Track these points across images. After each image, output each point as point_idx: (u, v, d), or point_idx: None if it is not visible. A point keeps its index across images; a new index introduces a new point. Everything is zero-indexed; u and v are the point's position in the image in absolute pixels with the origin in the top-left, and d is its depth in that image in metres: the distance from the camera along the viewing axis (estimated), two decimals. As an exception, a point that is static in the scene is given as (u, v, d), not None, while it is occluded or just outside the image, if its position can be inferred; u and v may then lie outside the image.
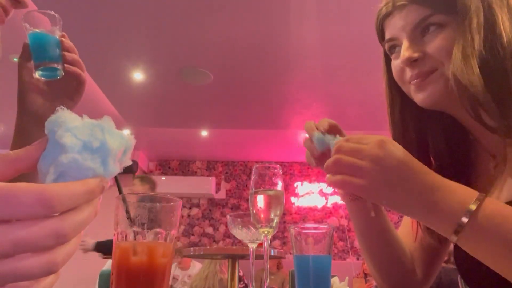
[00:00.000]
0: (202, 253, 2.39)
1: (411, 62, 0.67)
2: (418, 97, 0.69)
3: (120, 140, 0.33)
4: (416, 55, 0.67)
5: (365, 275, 4.57)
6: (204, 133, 5.25)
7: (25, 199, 0.26)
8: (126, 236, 0.47)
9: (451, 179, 0.73)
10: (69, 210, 0.28)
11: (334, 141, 0.64)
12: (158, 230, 0.47)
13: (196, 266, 4.14)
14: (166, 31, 3.09)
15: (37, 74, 0.74)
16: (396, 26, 0.70)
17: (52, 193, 0.26)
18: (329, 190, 6.09)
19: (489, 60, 0.61)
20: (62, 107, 0.32)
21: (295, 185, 6.14)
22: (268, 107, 4.38)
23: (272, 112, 4.49)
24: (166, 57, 3.47)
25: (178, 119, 4.81)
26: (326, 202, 6.09)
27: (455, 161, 0.76)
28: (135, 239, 0.47)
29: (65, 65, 0.76)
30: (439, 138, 0.77)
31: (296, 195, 6.12)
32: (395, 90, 0.77)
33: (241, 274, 3.48)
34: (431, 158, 0.78)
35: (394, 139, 0.75)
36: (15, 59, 3.32)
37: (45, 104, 0.79)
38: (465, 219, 0.51)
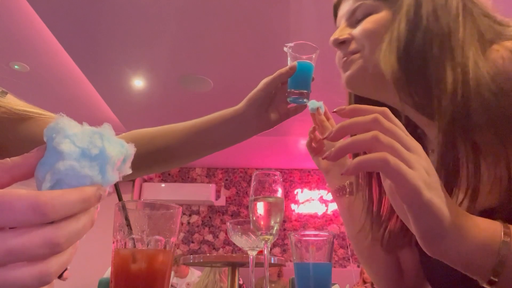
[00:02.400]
0: (201, 260, 2.38)
1: (338, 44, 0.70)
2: (343, 77, 0.72)
3: (120, 148, 0.32)
4: (342, 37, 0.69)
5: (364, 282, 4.54)
6: (204, 140, 5.24)
7: (18, 206, 0.25)
8: (125, 243, 0.47)
9: None
10: (64, 219, 0.27)
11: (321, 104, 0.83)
12: (157, 237, 0.47)
13: (194, 274, 4.11)
14: (166, 38, 3.11)
15: (289, 100, 0.81)
16: (340, 15, 0.74)
17: (46, 200, 0.26)
18: (329, 196, 6.08)
19: (412, 45, 0.61)
20: (62, 113, 0.31)
21: (295, 192, 6.13)
22: (268, 114, 4.38)
23: (272, 119, 4.49)
24: (166, 64, 3.48)
25: (178, 126, 4.81)
26: (327, 209, 6.07)
27: None
28: (134, 247, 0.47)
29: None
30: None
31: (296, 202, 6.10)
32: None
33: (241, 282, 3.45)
34: None
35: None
36: (16, 67, 3.32)
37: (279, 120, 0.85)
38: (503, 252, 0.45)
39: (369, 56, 0.66)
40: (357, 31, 0.68)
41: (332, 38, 0.70)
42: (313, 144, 0.87)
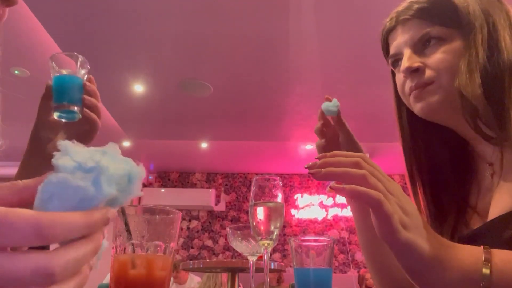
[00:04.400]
0: (201, 266, 2.37)
1: (410, 72, 0.69)
2: (417, 107, 0.71)
3: (122, 164, 0.31)
4: (415, 65, 0.68)
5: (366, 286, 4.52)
6: (204, 145, 5.25)
7: (18, 226, 0.24)
8: (124, 249, 0.47)
9: (454, 189, 0.73)
10: (63, 246, 0.26)
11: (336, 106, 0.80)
12: (157, 242, 0.47)
13: (193, 280, 4.09)
14: (166, 43, 3.12)
15: (55, 115, 0.75)
16: (399, 41, 0.73)
17: (47, 222, 0.25)
18: (329, 202, 6.07)
19: (491, 74, 0.63)
20: (74, 141, 0.31)
21: (295, 197, 6.12)
22: (268, 119, 4.39)
23: (272, 124, 4.50)
24: (166, 69, 3.49)
25: (178, 131, 4.82)
26: (327, 214, 6.05)
27: (456, 171, 0.77)
28: (133, 252, 0.46)
29: (84, 109, 0.77)
30: (441, 149, 0.78)
31: (296, 207, 6.08)
32: (402, 104, 0.78)
33: (241, 287, 3.44)
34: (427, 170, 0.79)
35: (405, 153, 0.79)
36: (16, 72, 3.33)
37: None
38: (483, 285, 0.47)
39: (448, 85, 0.66)
40: (433, 61, 0.67)
41: (403, 67, 0.69)
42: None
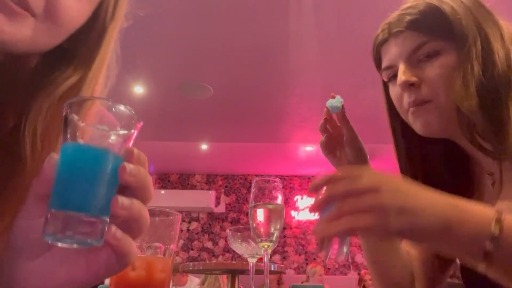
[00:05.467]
0: (201, 268, 2.37)
1: (408, 86, 0.68)
2: (416, 126, 0.71)
3: None
4: (413, 79, 0.68)
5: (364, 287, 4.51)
6: (204, 146, 5.25)
7: None
8: (124, 250, 0.47)
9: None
10: None
11: (340, 102, 0.81)
12: (157, 244, 0.47)
13: (193, 282, 4.07)
14: (167, 45, 3.12)
15: (45, 238, 0.32)
16: (393, 53, 0.72)
17: None
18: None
19: (487, 88, 0.63)
20: None
21: (295, 198, 6.11)
22: (268, 121, 4.39)
23: (272, 126, 4.50)
24: (166, 70, 3.49)
25: (178, 133, 4.82)
26: (326, 216, 6.04)
27: (456, 181, 0.76)
28: (133, 254, 0.46)
29: (112, 228, 0.34)
30: (441, 161, 0.78)
31: (296, 209, 6.08)
32: (396, 117, 0.77)
33: (240, 289, 3.43)
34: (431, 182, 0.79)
35: (400, 165, 0.79)
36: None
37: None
38: (490, 246, 0.47)
39: (446, 102, 0.66)
40: (429, 77, 0.67)
41: (400, 80, 0.68)
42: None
